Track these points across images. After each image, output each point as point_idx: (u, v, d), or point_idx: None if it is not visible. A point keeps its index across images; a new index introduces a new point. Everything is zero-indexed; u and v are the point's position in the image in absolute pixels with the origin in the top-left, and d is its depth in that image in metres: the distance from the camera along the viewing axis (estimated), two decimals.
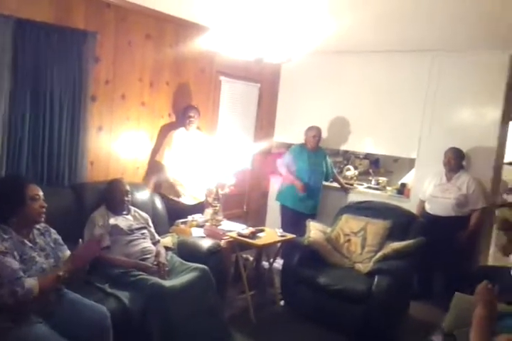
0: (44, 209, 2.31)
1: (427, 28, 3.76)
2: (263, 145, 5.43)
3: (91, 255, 2.29)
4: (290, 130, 5.45)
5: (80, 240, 2.36)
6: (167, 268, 3.09)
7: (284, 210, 4.78)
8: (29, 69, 3.09)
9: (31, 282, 2.04)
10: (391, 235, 3.90)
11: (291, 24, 2.76)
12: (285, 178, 4.79)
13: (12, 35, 2.94)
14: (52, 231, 2.45)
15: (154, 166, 4.12)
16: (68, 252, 2.44)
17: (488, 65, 4.26)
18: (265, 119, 5.55)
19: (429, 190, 4.27)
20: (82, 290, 2.47)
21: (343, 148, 5.23)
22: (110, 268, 2.93)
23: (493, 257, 4.64)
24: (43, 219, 2.33)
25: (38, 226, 2.37)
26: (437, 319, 3.53)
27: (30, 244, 2.24)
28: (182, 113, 4.17)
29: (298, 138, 4.96)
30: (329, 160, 4.90)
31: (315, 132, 4.66)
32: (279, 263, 4.09)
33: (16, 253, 2.10)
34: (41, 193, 2.31)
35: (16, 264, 2.05)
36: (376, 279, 3.42)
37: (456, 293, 2.92)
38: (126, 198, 3.28)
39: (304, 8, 3.21)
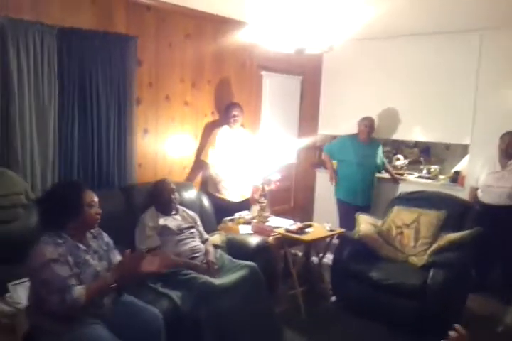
0: (99, 216, 2.35)
1: (471, 6, 3.57)
2: (307, 139, 5.36)
3: (132, 269, 2.23)
4: (334, 122, 5.37)
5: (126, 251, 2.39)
6: (216, 267, 3.12)
7: (339, 204, 4.77)
8: (75, 75, 3.19)
9: (79, 291, 2.08)
10: (446, 226, 3.77)
11: (330, 11, 2.67)
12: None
13: (57, 43, 3.05)
14: (105, 234, 2.51)
15: (199, 165, 4.16)
16: (119, 257, 2.49)
17: None
18: (309, 112, 5.48)
19: (482, 178, 4.06)
20: (134, 291, 2.51)
21: (392, 137, 5.08)
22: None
23: None
24: (96, 225, 2.38)
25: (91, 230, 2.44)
26: (497, 312, 3.40)
27: (84, 248, 2.29)
28: (225, 111, 4.18)
29: (343, 130, 4.88)
30: (381, 151, 4.79)
31: (367, 121, 4.59)
32: (328, 258, 4.04)
33: (70, 257, 2.15)
34: (97, 199, 2.33)
35: (66, 272, 2.09)
36: (431, 272, 3.31)
37: None
38: (172, 197, 3.32)
39: None
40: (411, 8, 3.65)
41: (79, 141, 3.27)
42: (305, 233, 3.64)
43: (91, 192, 2.33)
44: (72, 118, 3.22)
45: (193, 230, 3.33)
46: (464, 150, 4.72)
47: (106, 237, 2.51)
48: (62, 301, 2.01)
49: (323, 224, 3.89)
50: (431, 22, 4.18)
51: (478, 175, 4.13)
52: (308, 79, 5.39)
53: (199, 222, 3.45)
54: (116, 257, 2.49)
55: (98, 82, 3.31)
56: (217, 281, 2.89)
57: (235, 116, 4.09)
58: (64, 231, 2.22)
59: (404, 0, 3.39)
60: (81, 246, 2.28)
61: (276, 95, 5.01)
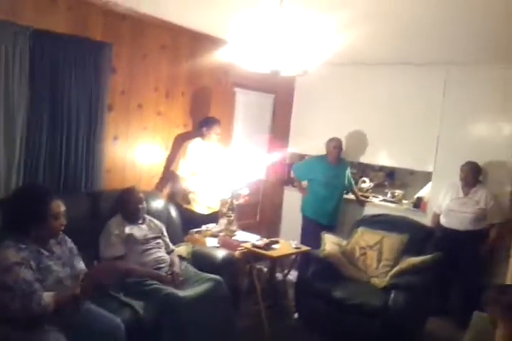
0: (63, 227, 2.29)
1: (441, 42, 3.74)
2: (277, 155, 5.41)
3: (99, 281, 2.20)
4: (304, 141, 5.45)
5: (95, 261, 2.32)
6: (181, 278, 3.07)
7: (305, 221, 4.77)
8: (47, 78, 3.12)
9: (48, 298, 2.01)
10: (407, 249, 3.85)
11: (305, 37, 2.76)
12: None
13: (29, 45, 2.97)
14: (68, 240, 2.45)
15: (169, 176, 4.12)
16: (82, 264, 2.44)
17: (504, 79, 4.22)
18: (279, 130, 5.55)
19: (445, 204, 4.21)
20: (97, 299, 2.44)
21: (359, 160, 5.19)
22: (125, 276, 2.90)
23: None
24: (59, 234, 2.31)
25: None
26: (455, 336, 3.46)
27: (47, 253, 2.22)
28: (204, 125, 4.12)
29: (312, 149, 4.95)
30: (349, 172, 4.87)
31: (335, 143, 4.63)
32: (293, 275, 4.04)
33: (32, 262, 2.08)
34: (63, 209, 2.27)
35: (30, 276, 2.03)
36: (393, 294, 3.36)
37: (475, 311, 2.85)
38: (140, 206, 3.26)
39: (317, 22, 3.23)
40: (382, 38, 3.78)
41: (47, 144, 3.18)
42: (271, 249, 3.63)
43: (58, 202, 2.27)
44: (41, 121, 3.13)
45: (158, 240, 3.27)
46: (426, 176, 4.87)
47: (69, 243, 2.45)
48: (27, 308, 1.94)
49: (289, 241, 3.89)
50: (400, 53, 4.34)
51: (440, 201, 4.27)
52: (281, 97, 5.47)
53: (165, 233, 3.39)
54: (80, 264, 2.42)
55: (70, 86, 3.25)
56: (182, 293, 2.85)
57: (218, 134, 4.12)
58: (26, 236, 2.15)
59: (375, 30, 3.50)
60: (44, 251, 2.21)
61: (248, 111, 5.05)
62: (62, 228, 2.28)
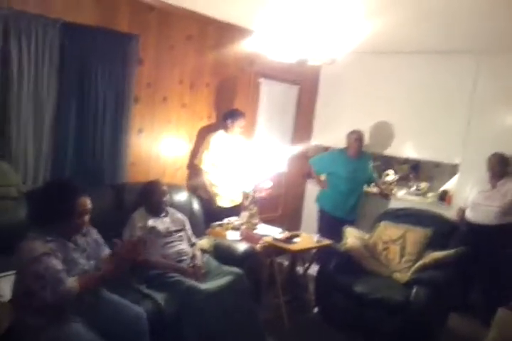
0: (86, 224, 2.32)
1: (470, 29, 3.64)
2: (300, 148, 5.38)
3: (130, 257, 2.24)
4: (328, 133, 5.39)
5: (115, 240, 2.35)
6: (203, 271, 3.11)
7: (322, 214, 4.71)
8: (75, 70, 3.18)
9: (72, 282, 2.07)
10: (431, 244, 3.81)
11: (333, 25, 2.72)
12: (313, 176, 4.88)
13: (59, 37, 3.02)
14: (94, 231, 2.49)
15: (193, 168, 4.15)
16: (108, 251, 2.46)
17: None
18: (303, 122, 5.51)
19: (471, 197, 4.12)
20: (119, 291, 2.50)
21: (383, 152, 5.12)
22: (147, 269, 2.96)
23: None
24: (84, 231, 2.35)
25: None
26: (477, 333, 3.43)
27: (73, 246, 2.27)
28: (229, 118, 4.10)
29: (336, 142, 4.90)
30: (371, 165, 4.81)
31: (356, 135, 4.53)
32: (314, 269, 4.05)
33: (59, 254, 2.14)
34: (90, 206, 2.29)
35: (59, 265, 2.08)
36: (415, 290, 3.34)
37: (500, 308, 2.82)
38: (163, 199, 3.30)
39: (345, 9, 3.16)
40: (410, 25, 3.69)
41: (74, 136, 3.25)
42: (292, 243, 3.64)
43: (86, 199, 2.27)
44: (68, 113, 3.19)
45: (181, 233, 3.31)
46: (453, 169, 4.77)
47: (95, 234, 2.49)
48: (56, 293, 1.99)
49: (311, 235, 3.89)
50: (429, 41, 4.23)
51: (467, 195, 4.18)
52: (306, 89, 5.42)
53: (188, 226, 3.43)
54: (105, 252, 2.47)
55: (97, 78, 3.30)
56: (203, 286, 2.89)
57: (241, 127, 4.11)
58: (52, 229, 2.20)
59: (404, 16, 3.42)
60: (69, 244, 2.25)
61: (272, 103, 5.02)
62: (86, 224, 2.31)
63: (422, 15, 3.39)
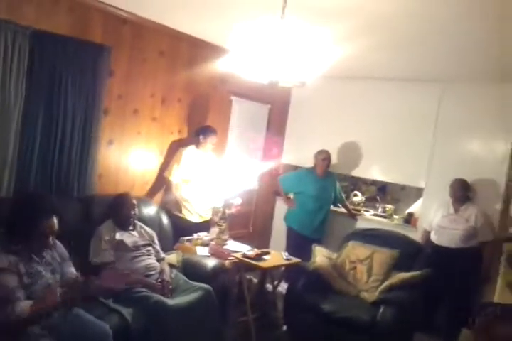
0: (50, 243, 2.25)
1: (435, 58, 3.78)
2: (270, 166, 5.41)
3: (116, 284, 2.23)
4: (298, 152, 5.45)
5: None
6: (171, 287, 3.03)
7: (290, 232, 4.72)
8: (44, 78, 3.11)
9: (24, 305, 1.98)
10: (397, 265, 3.85)
11: (305, 49, 2.78)
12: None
13: (29, 45, 2.96)
14: (59, 245, 2.41)
15: (162, 182, 4.09)
16: (73, 269, 2.41)
17: (499, 98, 4.25)
18: (273, 141, 5.54)
19: (435, 221, 4.21)
20: (85, 305, 2.40)
21: (351, 173, 5.20)
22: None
23: (500, 291, 4.55)
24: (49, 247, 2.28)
25: None
26: None
27: (37, 259, 2.20)
28: (201, 134, 4.09)
29: (305, 161, 4.95)
30: (338, 185, 4.86)
31: (324, 155, 4.60)
32: (283, 286, 4.02)
33: (21, 266, 2.06)
34: (56, 227, 2.23)
35: (14, 282, 2.01)
36: (381, 309, 3.35)
37: (463, 329, 2.85)
38: (132, 212, 3.24)
39: (318, 34, 3.26)
40: (379, 52, 3.82)
41: (40, 146, 3.16)
42: (262, 260, 3.61)
43: (54, 219, 2.21)
44: (35, 122, 3.11)
45: (149, 248, 3.24)
46: (418, 192, 4.89)
47: (60, 248, 2.41)
48: (3, 312, 1.91)
49: (280, 252, 3.88)
50: (395, 68, 4.38)
51: (431, 218, 4.28)
52: (276, 108, 5.49)
53: (156, 240, 3.37)
54: (71, 269, 2.39)
55: (67, 88, 3.24)
56: (171, 301, 2.82)
57: (213, 143, 4.12)
58: (18, 240, 2.12)
59: (371, 44, 3.54)
60: (34, 256, 2.18)
61: (243, 121, 5.05)
62: (50, 241, 2.24)
63: (390, 43, 3.52)
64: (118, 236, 3.10)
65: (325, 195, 4.64)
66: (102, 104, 3.51)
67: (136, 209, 3.29)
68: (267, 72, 2.63)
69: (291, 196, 4.81)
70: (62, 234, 2.42)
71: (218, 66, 4.35)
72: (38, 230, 2.15)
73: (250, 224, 5.39)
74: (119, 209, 3.22)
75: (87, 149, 3.42)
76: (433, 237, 4.22)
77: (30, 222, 2.14)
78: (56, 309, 2.09)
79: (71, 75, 3.23)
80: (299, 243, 4.44)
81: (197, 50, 4.27)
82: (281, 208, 5.35)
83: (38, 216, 2.17)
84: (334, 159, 4.85)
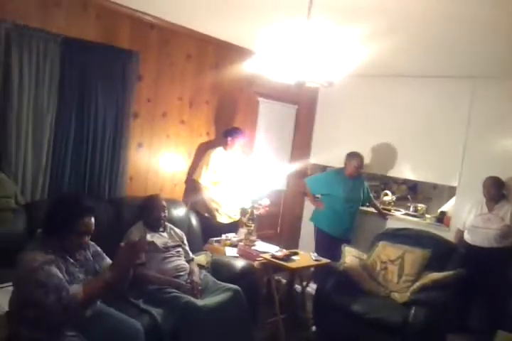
0: (85, 243, 2.28)
1: (467, 55, 3.71)
2: (299, 166, 5.40)
3: (132, 259, 2.17)
4: (326, 153, 5.41)
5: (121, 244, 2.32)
6: (200, 287, 3.07)
7: (318, 233, 4.68)
8: (75, 85, 3.20)
9: (76, 288, 2.03)
10: (429, 265, 3.78)
11: (332, 49, 2.77)
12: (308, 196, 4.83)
13: (60, 52, 3.06)
14: (91, 243, 2.46)
15: (191, 184, 4.14)
16: (109, 260, 2.43)
17: None
18: (301, 141, 5.54)
19: (469, 220, 4.12)
20: (116, 305, 2.46)
21: (381, 173, 5.14)
22: (145, 284, 2.92)
23: None
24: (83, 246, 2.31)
25: None
26: None
27: (72, 260, 2.24)
28: (229, 135, 4.12)
29: (334, 161, 4.92)
30: (366, 185, 4.81)
31: (358, 162, 4.45)
32: (312, 287, 4.00)
33: (61, 264, 2.11)
34: (93, 227, 2.24)
35: (60, 275, 2.04)
36: (413, 310, 3.29)
37: (499, 330, 2.79)
38: (162, 214, 3.29)
39: (345, 34, 3.25)
40: (406, 50, 3.77)
41: (73, 150, 3.25)
42: (291, 260, 3.60)
43: (91, 219, 2.22)
44: (68, 127, 3.20)
45: (179, 249, 3.29)
46: (450, 190, 4.80)
47: (92, 246, 2.45)
48: (59, 299, 1.94)
49: (309, 253, 3.87)
50: (425, 65, 4.31)
51: (465, 217, 4.19)
52: (304, 108, 5.48)
53: (186, 241, 3.41)
54: (105, 261, 2.44)
55: (98, 92, 3.32)
56: (200, 302, 2.85)
57: (241, 145, 4.16)
58: (54, 242, 2.16)
59: (400, 43, 3.49)
60: (69, 258, 2.22)
61: (271, 122, 5.07)
62: (84, 245, 2.27)
63: (419, 43, 3.48)
64: (148, 237, 3.14)
65: (354, 196, 4.59)
66: (132, 108, 3.59)
67: (166, 211, 3.34)
68: (294, 72, 2.64)
69: (319, 196, 4.78)
70: (93, 235, 2.49)
71: (245, 68, 4.37)
72: (74, 229, 2.15)
73: (278, 224, 5.39)
74: (150, 211, 3.27)
75: (117, 152, 3.50)
76: (466, 237, 4.13)
77: (67, 222, 2.15)
78: (109, 288, 2.11)
79: (101, 80, 3.32)
80: (328, 243, 4.41)
81: (224, 52, 4.31)
82: (309, 209, 5.32)
83: (75, 215, 2.17)
84: (365, 159, 4.79)
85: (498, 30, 2.96)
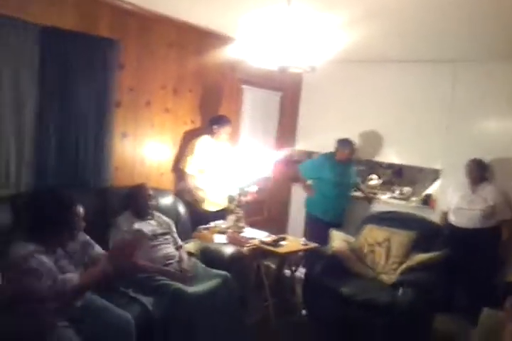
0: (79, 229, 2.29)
1: (447, 39, 3.74)
2: (284, 153, 5.41)
3: (129, 255, 2.16)
4: (311, 138, 5.45)
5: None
6: (190, 275, 3.08)
7: (311, 219, 4.72)
8: (55, 74, 3.13)
9: (70, 275, 2.04)
10: (416, 246, 3.84)
11: (314, 34, 2.77)
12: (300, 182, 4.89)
13: (38, 42, 2.99)
14: (80, 233, 2.45)
15: (177, 172, 4.13)
16: (99, 248, 2.44)
17: (510, 74, 4.19)
18: (287, 127, 5.55)
19: (453, 202, 4.19)
20: (106, 295, 2.47)
21: (366, 157, 5.18)
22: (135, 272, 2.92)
23: None
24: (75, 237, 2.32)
25: None
26: (462, 333, 3.45)
27: (62, 252, 2.24)
28: (215, 123, 4.11)
29: (319, 146, 4.95)
30: (355, 170, 4.85)
31: (350, 150, 4.53)
32: (301, 272, 4.05)
33: (50, 257, 2.10)
34: (83, 213, 2.28)
35: (51, 264, 2.04)
36: (401, 291, 3.36)
37: (484, 308, 2.85)
38: (149, 202, 3.29)
39: (326, 19, 3.25)
40: (388, 35, 3.78)
41: (56, 141, 3.20)
42: (279, 246, 3.64)
43: (79, 207, 2.27)
44: (50, 117, 3.14)
45: (167, 236, 3.29)
46: (435, 173, 4.85)
47: (81, 235, 2.45)
48: (51, 286, 1.95)
49: (298, 238, 3.90)
50: (407, 50, 4.33)
51: (449, 199, 4.26)
52: (288, 95, 5.47)
53: (174, 228, 3.41)
54: (97, 249, 2.44)
55: (78, 82, 3.26)
56: (190, 289, 2.87)
57: (227, 133, 4.13)
58: (43, 239, 2.15)
59: (381, 28, 3.50)
60: (59, 250, 2.22)
61: (255, 109, 5.06)
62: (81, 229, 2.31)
63: (399, 28, 3.49)
64: (136, 225, 3.15)
65: (345, 180, 4.63)
66: (114, 97, 3.53)
67: (154, 200, 3.34)
68: (277, 58, 2.64)
69: (309, 183, 4.81)
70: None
71: (228, 55, 4.35)
72: (68, 221, 2.18)
73: (266, 211, 5.41)
74: (136, 200, 3.27)
75: (101, 142, 3.46)
76: (451, 218, 4.21)
77: (59, 215, 2.17)
78: (105, 279, 2.10)
79: (81, 70, 3.25)
80: (321, 229, 4.38)
81: (206, 40, 4.27)
82: (297, 194, 5.36)
83: (64, 207, 2.19)
84: None
85: (476, 14, 2.98)
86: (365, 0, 2.90)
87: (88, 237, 2.46)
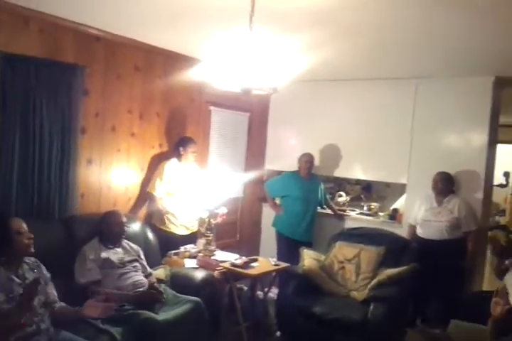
0: (32, 241, 2.27)
1: (409, 56, 3.86)
2: (254, 173, 5.44)
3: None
4: (281, 158, 5.49)
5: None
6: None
7: (280, 238, 4.74)
8: (18, 102, 3.09)
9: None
10: (385, 261, 3.89)
11: (276, 57, 2.85)
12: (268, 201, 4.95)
13: (1, 68, 2.96)
14: (43, 267, 2.41)
15: (145, 197, 4.10)
16: (54, 291, 2.44)
17: (472, 91, 4.35)
18: (256, 148, 5.58)
19: (420, 215, 4.27)
20: (73, 327, 2.41)
21: (334, 174, 5.25)
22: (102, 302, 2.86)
23: (488, 279, 4.63)
24: (32, 251, 2.29)
25: (27, 260, 2.34)
26: None
27: (19, 280, 2.18)
28: (180, 145, 4.12)
29: (289, 166, 4.98)
30: (323, 187, 4.91)
31: (307, 157, 4.69)
32: (274, 292, 4.03)
33: (1, 294, 2.05)
34: (25, 225, 2.28)
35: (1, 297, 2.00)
36: (372, 307, 3.39)
37: (452, 319, 2.89)
38: (123, 230, 3.26)
39: (287, 42, 3.34)
40: (350, 55, 3.90)
41: (19, 169, 3.13)
42: (250, 267, 3.63)
43: (17, 219, 2.31)
44: (12, 145, 3.09)
45: (136, 264, 3.24)
46: (402, 188, 4.94)
47: (44, 270, 2.41)
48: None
49: (268, 259, 3.90)
50: (370, 69, 4.46)
51: (415, 212, 4.34)
52: (256, 116, 5.53)
53: (142, 256, 3.37)
54: (53, 291, 2.40)
55: (42, 109, 3.22)
56: (160, 317, 2.83)
57: (194, 152, 4.13)
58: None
59: (343, 48, 3.62)
60: (15, 278, 2.17)
61: (224, 130, 5.09)
62: (32, 242, 2.29)
63: (363, 47, 3.60)
64: (103, 254, 3.10)
65: (311, 196, 4.70)
66: (79, 123, 3.50)
67: (125, 227, 3.31)
68: (240, 80, 2.69)
69: (278, 201, 4.84)
70: (46, 257, 2.45)
71: (195, 77, 4.38)
72: (7, 234, 2.19)
73: (237, 232, 5.40)
74: (109, 227, 3.22)
75: (66, 170, 3.41)
76: (419, 231, 4.29)
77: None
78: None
79: (45, 97, 3.22)
80: (290, 247, 4.46)
81: (172, 62, 4.29)
82: (268, 214, 5.37)
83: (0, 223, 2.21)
84: (317, 161, 4.90)
85: (434, 34, 3.12)
86: (325, 24, 3.00)
87: (48, 274, 2.41)
